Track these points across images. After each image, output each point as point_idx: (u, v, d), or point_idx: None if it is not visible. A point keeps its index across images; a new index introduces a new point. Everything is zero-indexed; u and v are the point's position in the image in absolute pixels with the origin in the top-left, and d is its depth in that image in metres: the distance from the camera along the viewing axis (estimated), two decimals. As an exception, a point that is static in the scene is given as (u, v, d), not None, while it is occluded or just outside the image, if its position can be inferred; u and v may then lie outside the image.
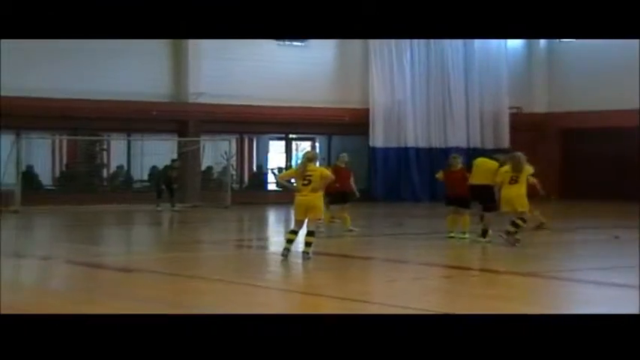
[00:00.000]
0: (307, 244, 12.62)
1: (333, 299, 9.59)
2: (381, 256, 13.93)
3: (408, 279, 11.51)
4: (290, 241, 12.70)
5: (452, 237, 15.67)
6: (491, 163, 15.57)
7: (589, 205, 26.70)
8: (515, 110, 31.76)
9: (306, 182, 12.63)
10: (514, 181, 14.49)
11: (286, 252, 12.61)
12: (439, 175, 16.61)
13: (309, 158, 13.00)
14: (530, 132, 30.85)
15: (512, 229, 14.55)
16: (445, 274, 12.06)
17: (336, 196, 16.51)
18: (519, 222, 14.52)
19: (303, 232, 12.85)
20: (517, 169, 14.50)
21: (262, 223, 23.42)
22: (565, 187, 30.62)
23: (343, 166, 17.34)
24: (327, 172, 13.16)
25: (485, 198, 15.40)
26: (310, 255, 12.55)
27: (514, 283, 11.18)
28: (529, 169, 14.69)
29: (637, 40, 29.93)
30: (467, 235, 15.56)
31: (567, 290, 10.80)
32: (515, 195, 14.47)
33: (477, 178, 15.58)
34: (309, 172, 12.67)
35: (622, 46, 30.40)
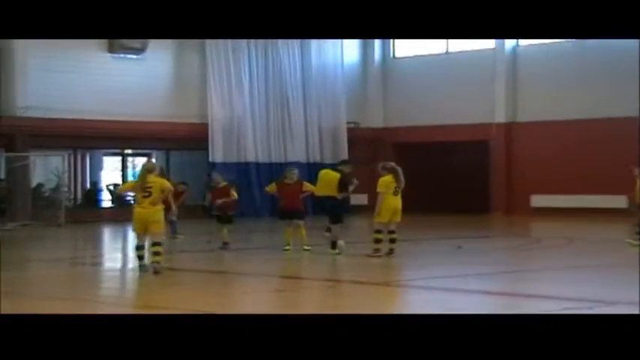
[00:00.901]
0: (156, 253, 12.33)
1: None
2: (233, 270, 13.46)
3: (265, 291, 11.17)
4: (141, 257, 12.42)
5: (287, 249, 15.48)
6: (334, 175, 15.59)
7: (424, 218, 27.14)
8: (352, 125, 32.05)
9: (146, 194, 12.34)
10: (397, 192, 14.67)
11: (143, 268, 12.35)
12: (270, 187, 16.57)
13: (148, 169, 12.75)
14: (368, 146, 31.23)
15: (380, 237, 14.60)
16: (303, 286, 11.77)
17: None
18: (394, 236, 14.71)
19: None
20: (399, 180, 14.64)
21: (97, 241, 22.52)
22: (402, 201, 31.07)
23: None
24: (168, 184, 12.91)
25: (331, 209, 15.30)
26: (161, 265, 12.22)
27: (372, 293, 11.07)
28: (403, 181, 14.86)
29: (464, 54, 30.90)
30: (309, 247, 15.43)
31: (420, 298, 10.74)
32: (398, 205, 14.66)
33: (321, 190, 15.53)
34: (149, 184, 12.40)
35: (452, 61, 31.32)
